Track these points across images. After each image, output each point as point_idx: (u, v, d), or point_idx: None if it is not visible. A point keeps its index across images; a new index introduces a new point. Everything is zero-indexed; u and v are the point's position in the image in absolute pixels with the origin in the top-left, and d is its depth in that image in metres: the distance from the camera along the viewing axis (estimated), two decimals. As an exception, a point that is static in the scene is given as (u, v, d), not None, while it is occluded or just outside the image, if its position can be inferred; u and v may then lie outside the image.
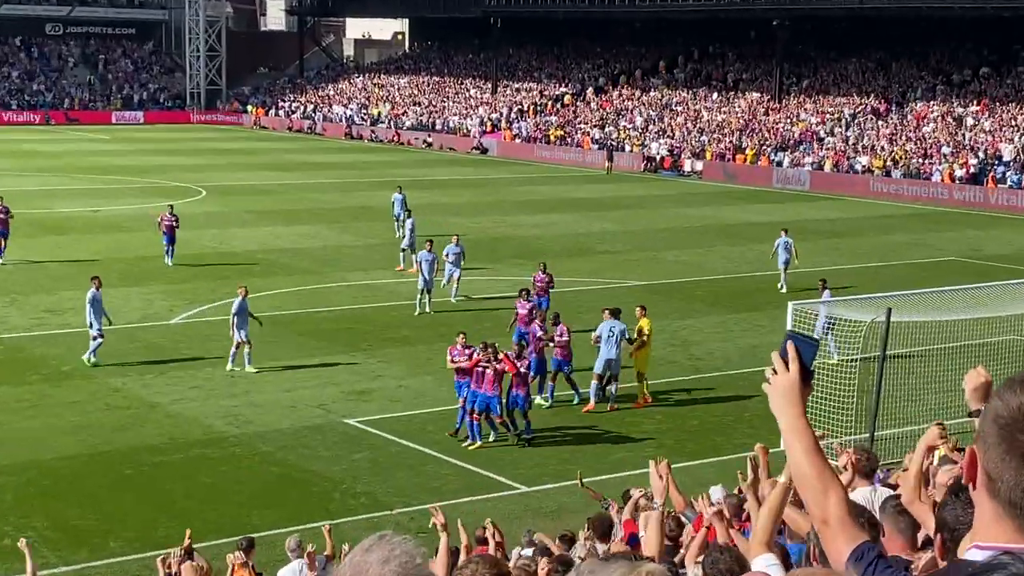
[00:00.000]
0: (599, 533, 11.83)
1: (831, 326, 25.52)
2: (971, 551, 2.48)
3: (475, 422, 21.96)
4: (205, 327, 30.31)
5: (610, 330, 24.04)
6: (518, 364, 22.01)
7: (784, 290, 35.12)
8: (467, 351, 22.20)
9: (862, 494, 8.59)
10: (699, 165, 68.72)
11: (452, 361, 22.45)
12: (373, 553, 2.64)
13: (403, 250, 38.11)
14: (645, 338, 24.56)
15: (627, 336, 24.25)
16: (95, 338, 26.66)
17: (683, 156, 70.37)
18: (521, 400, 22.10)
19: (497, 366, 21.74)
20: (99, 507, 19.06)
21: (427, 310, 32.07)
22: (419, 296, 32.30)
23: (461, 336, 22.62)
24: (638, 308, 25.59)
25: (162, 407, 24.03)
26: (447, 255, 33.40)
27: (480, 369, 21.85)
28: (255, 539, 15.01)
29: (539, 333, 24.68)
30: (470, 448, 21.81)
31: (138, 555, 17.08)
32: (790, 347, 3.20)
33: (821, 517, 3.15)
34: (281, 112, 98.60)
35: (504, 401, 22.14)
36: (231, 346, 26.51)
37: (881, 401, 21.28)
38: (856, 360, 23.35)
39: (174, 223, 38.35)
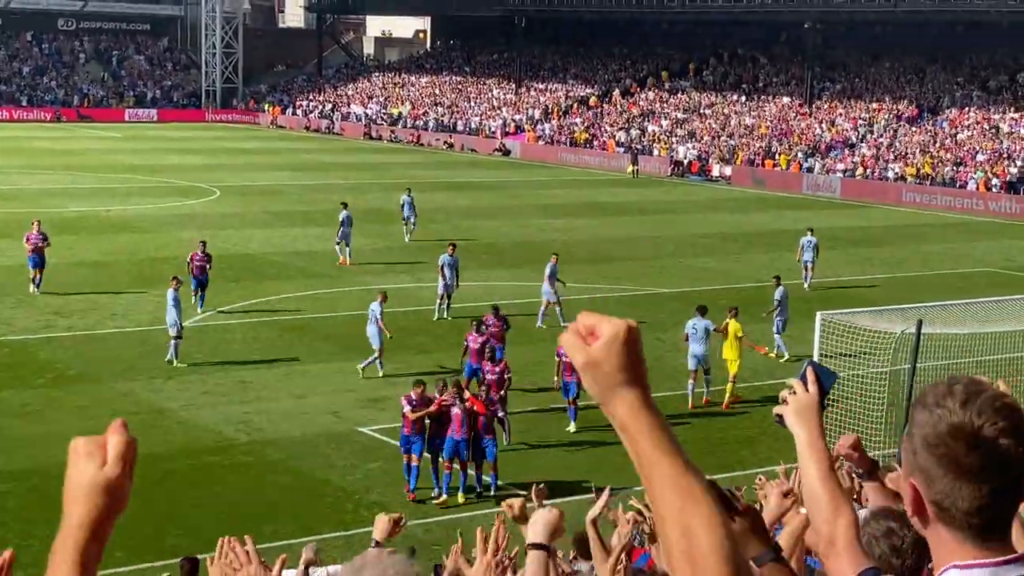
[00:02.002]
0: (581, 551, 11.27)
1: (782, 326, 28.29)
2: (950, 571, 2.35)
3: (448, 472, 19.74)
4: (217, 331, 29.82)
5: (693, 327, 24.97)
6: (489, 407, 20.16)
7: (808, 287, 36.16)
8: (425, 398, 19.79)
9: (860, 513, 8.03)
10: (727, 170, 67.93)
11: (411, 412, 19.66)
12: (366, 571, 2.53)
13: (337, 243, 38.88)
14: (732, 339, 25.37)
15: (715, 329, 25.18)
16: (176, 338, 26.72)
17: (711, 160, 69.62)
18: (492, 449, 19.82)
19: (464, 405, 19.63)
20: (105, 515, 18.51)
21: (445, 316, 31.42)
22: (439, 301, 31.65)
23: (419, 387, 19.90)
24: (729, 311, 25.95)
25: (171, 413, 23.57)
26: (441, 266, 31.72)
27: (447, 410, 19.64)
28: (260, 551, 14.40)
29: (491, 378, 21.94)
30: (437, 503, 19.60)
31: (144, 565, 16.77)
32: (810, 372, 3.19)
33: (828, 538, 3.08)
34: (299, 111, 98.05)
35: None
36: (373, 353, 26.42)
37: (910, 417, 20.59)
38: (886, 372, 22.82)
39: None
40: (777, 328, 28.85)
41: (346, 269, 38.18)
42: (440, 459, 19.77)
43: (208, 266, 31.70)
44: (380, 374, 26.35)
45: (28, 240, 33.13)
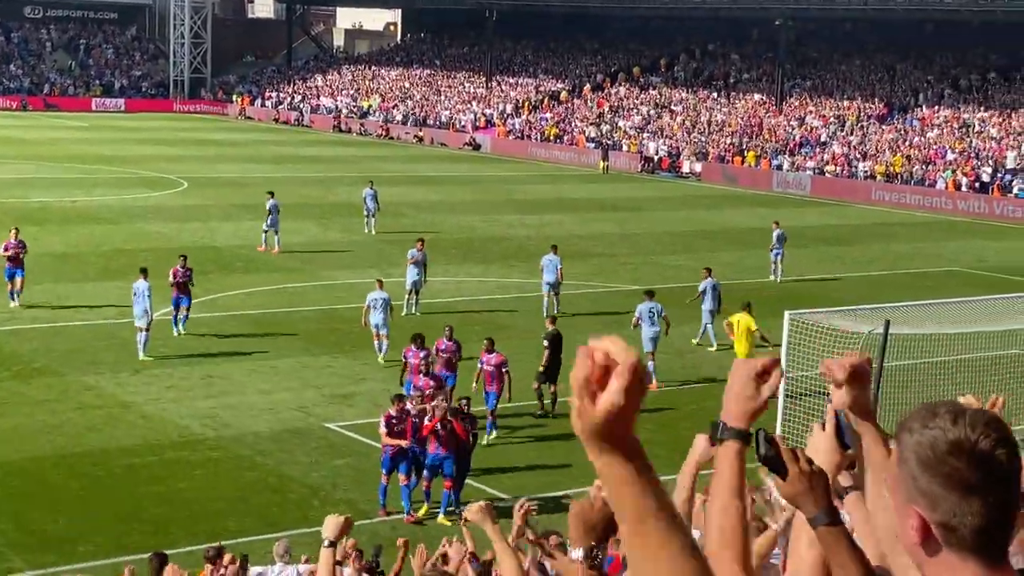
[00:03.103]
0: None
1: (710, 316, 29.10)
2: None
3: (428, 489, 18.93)
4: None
5: (650, 311, 26.11)
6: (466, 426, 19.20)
7: (779, 280, 37.02)
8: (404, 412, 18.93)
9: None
10: (698, 166, 67.99)
11: (390, 435, 18.66)
12: None
13: (265, 231, 39.07)
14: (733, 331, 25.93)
15: (664, 315, 26.29)
16: (144, 330, 26.51)
17: (682, 157, 69.66)
18: (449, 466, 18.90)
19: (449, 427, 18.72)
20: (68, 510, 18.58)
21: (414, 311, 31.27)
22: (406, 296, 31.51)
23: (399, 403, 19.02)
24: (743, 306, 26.48)
25: (136, 407, 23.37)
26: (411, 261, 31.49)
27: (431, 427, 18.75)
28: (223, 547, 14.34)
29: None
30: (420, 514, 18.91)
31: (108, 560, 16.60)
32: (831, 415, 3.11)
33: (725, 548, 2.90)
34: (268, 103, 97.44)
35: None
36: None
37: (877, 416, 20.65)
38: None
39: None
40: (706, 319, 29.41)
41: (314, 262, 37.96)
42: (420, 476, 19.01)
43: (190, 283, 28.84)
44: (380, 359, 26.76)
45: (6, 248, 30.77)
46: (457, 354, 23.49)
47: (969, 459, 2.27)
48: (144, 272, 27.19)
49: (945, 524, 2.29)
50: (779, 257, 37.63)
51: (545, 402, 23.75)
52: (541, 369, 23.69)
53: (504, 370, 22.24)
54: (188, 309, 28.67)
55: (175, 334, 28.21)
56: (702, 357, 28.73)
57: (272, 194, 40.00)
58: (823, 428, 3.09)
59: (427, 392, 20.04)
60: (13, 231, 31.81)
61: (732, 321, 26.23)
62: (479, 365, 22.50)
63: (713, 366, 27.27)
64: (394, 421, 18.80)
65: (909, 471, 2.31)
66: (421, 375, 21.34)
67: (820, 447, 3.05)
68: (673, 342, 28.16)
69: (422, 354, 22.28)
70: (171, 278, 28.55)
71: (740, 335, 25.81)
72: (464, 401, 19.68)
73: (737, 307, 27.23)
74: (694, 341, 29.60)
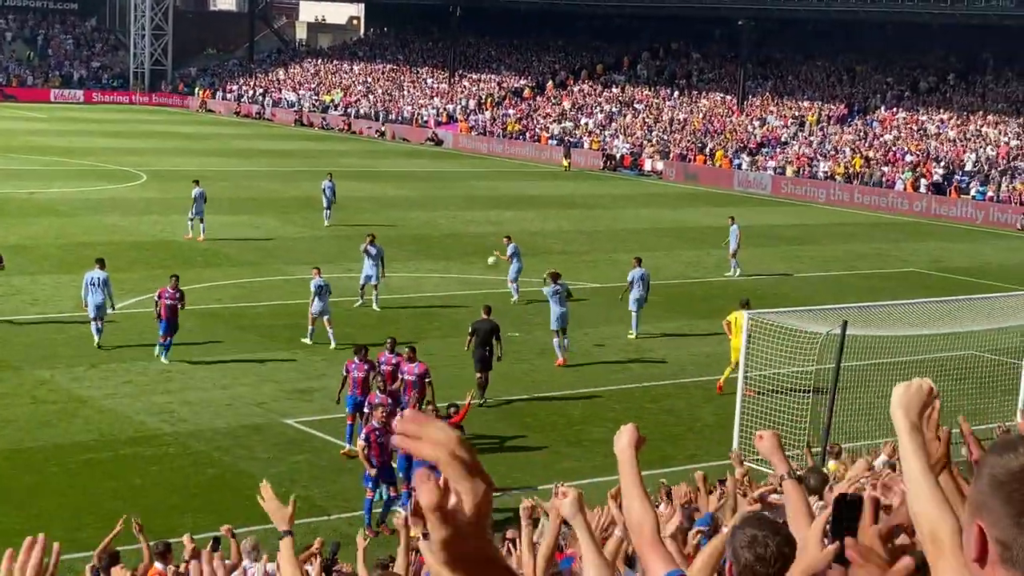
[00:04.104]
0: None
1: (637, 306, 29.89)
2: None
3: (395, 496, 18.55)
4: (141, 318, 29.29)
5: (554, 291, 27.45)
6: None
7: (737, 275, 37.83)
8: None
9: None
10: (660, 165, 68.17)
11: (363, 453, 18.10)
12: None
13: (191, 219, 39.51)
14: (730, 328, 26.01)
15: (570, 292, 28.12)
16: (97, 319, 26.49)
17: (644, 155, 69.80)
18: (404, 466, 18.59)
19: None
20: (22, 506, 18.43)
21: (375, 307, 31.20)
22: (360, 290, 31.58)
23: (380, 411, 18.37)
24: (741, 303, 26.72)
25: (92, 402, 23.18)
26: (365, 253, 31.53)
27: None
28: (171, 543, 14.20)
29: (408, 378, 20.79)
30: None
31: (63, 557, 16.17)
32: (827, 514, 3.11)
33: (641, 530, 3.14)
34: (229, 96, 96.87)
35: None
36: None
37: (835, 415, 20.90)
38: (811, 372, 23.00)
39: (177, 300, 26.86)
40: (633, 307, 30.06)
41: (273, 256, 37.78)
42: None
43: (180, 306, 26.11)
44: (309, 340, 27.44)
45: None
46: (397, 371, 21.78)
47: None
48: (100, 262, 27.15)
49: (1003, 543, 2.40)
50: (734, 253, 38.36)
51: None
52: (466, 348, 24.76)
53: (427, 380, 21.12)
54: (171, 336, 25.87)
55: (163, 359, 25.75)
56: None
57: (198, 183, 40.35)
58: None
59: (386, 407, 18.87)
60: None
61: (731, 319, 26.06)
62: (400, 375, 21.35)
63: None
64: (377, 434, 18.12)
65: (980, 487, 2.45)
66: (377, 392, 20.16)
67: (811, 535, 3.07)
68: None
69: (366, 366, 21.25)
70: (157, 299, 26.12)
71: (738, 331, 25.82)
72: (453, 409, 19.64)
73: (756, 303, 27.54)
74: (630, 334, 30.06)
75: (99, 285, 26.56)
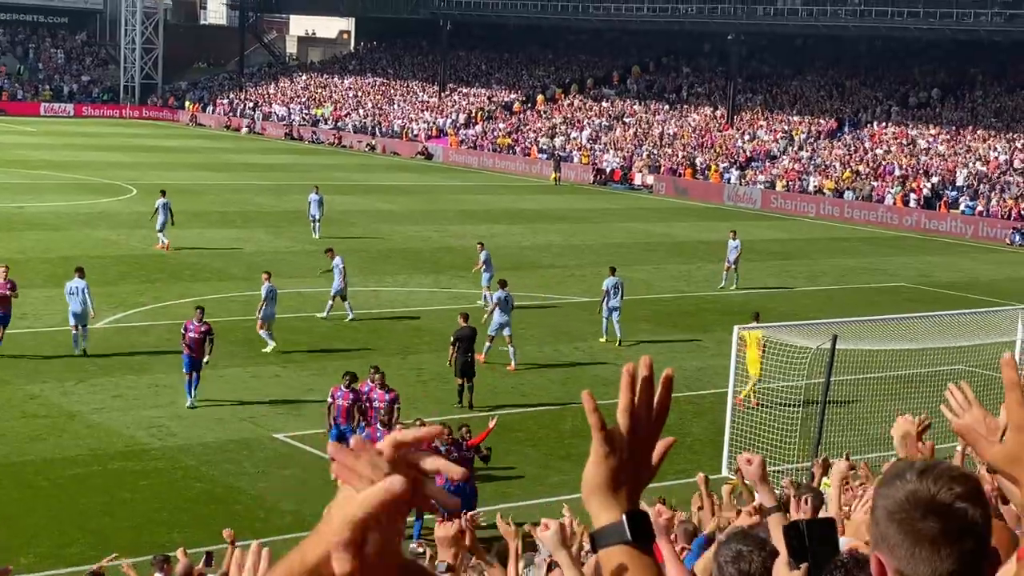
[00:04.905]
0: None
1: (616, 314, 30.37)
2: None
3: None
4: (131, 332, 29.30)
5: (504, 299, 28.14)
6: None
7: (734, 287, 38.11)
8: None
9: None
10: (650, 179, 68.27)
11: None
12: None
13: (160, 230, 40.02)
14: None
15: (513, 305, 28.44)
16: (80, 326, 26.83)
17: (634, 169, 69.90)
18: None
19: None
20: (10, 521, 18.35)
21: (350, 317, 31.43)
22: (330, 301, 31.77)
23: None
24: (754, 315, 27.41)
25: (82, 416, 23.12)
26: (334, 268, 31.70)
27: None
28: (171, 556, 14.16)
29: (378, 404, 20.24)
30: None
31: (50, 571, 16.60)
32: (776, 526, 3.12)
33: None
34: (219, 110, 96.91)
35: None
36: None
37: (824, 430, 20.92)
38: (801, 386, 23.02)
39: (8, 291, 26.96)
40: (609, 315, 30.69)
41: (263, 270, 37.69)
42: None
43: (209, 342, 24.13)
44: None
45: None
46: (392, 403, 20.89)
47: (926, 510, 2.35)
48: (80, 271, 27.68)
49: (901, 572, 2.37)
50: (733, 266, 38.49)
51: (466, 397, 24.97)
52: (449, 364, 25.31)
53: (396, 406, 20.62)
54: (196, 373, 23.93)
55: (188, 405, 23.96)
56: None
57: (164, 193, 40.95)
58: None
59: (379, 404, 19.40)
60: (3, 269, 29.01)
61: (744, 335, 25.95)
62: (330, 399, 20.79)
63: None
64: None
65: (875, 518, 2.41)
66: (379, 425, 19.49)
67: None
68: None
69: (352, 396, 20.45)
70: (183, 333, 24.32)
71: (751, 343, 25.83)
72: (465, 429, 19.29)
73: (746, 317, 27.61)
74: (601, 339, 30.47)
75: (77, 294, 26.92)
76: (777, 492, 5.97)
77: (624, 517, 2.37)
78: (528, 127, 79.72)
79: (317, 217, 44.28)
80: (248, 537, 17.58)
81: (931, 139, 65.23)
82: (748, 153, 68.67)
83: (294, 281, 36.25)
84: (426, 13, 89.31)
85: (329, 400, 20.80)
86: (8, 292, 26.70)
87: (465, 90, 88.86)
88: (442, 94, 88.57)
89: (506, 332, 27.91)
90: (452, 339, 25.21)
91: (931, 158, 62.99)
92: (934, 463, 2.43)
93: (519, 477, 20.99)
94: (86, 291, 27.05)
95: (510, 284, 32.42)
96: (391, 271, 38.73)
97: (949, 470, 2.40)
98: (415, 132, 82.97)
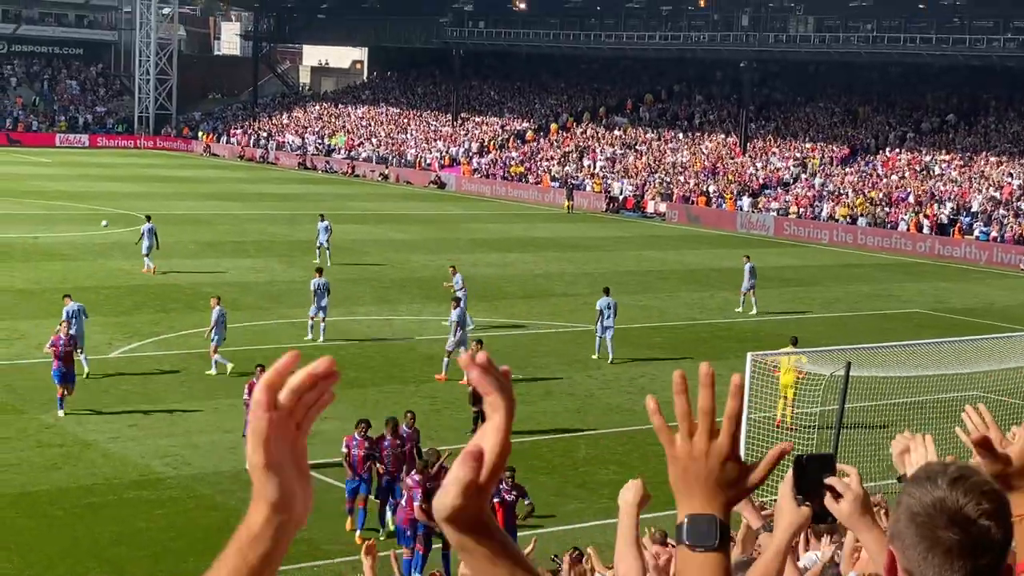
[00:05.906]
0: None
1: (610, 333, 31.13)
2: None
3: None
4: (145, 362, 29.36)
5: (467, 317, 30.11)
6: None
7: (753, 312, 38.34)
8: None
9: (810, 558, 8.23)
10: (662, 207, 68.31)
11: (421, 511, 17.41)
12: None
13: (145, 255, 40.65)
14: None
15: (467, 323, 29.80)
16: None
17: (646, 197, 69.96)
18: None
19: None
20: (25, 551, 18.43)
21: (320, 340, 31.59)
22: (309, 322, 32.16)
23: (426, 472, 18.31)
24: (792, 340, 27.38)
25: (97, 446, 23.17)
26: (313, 290, 32.17)
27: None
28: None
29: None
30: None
31: None
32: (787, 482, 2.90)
33: None
34: (233, 140, 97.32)
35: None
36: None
37: (837, 456, 20.79)
38: (816, 413, 22.95)
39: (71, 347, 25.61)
40: (603, 334, 31.41)
41: (276, 300, 37.82)
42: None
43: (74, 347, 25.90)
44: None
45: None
46: (411, 446, 20.33)
47: (949, 519, 2.35)
48: (69, 296, 28.20)
49: (909, 572, 2.38)
50: (750, 291, 38.78)
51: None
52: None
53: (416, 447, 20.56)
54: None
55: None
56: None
57: (149, 218, 41.75)
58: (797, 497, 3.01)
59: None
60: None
61: (782, 360, 25.93)
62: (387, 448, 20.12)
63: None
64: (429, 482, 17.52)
65: (897, 514, 2.43)
66: (409, 478, 18.35)
67: (783, 496, 2.96)
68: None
69: (367, 444, 19.66)
70: (246, 394, 22.45)
71: (786, 369, 25.83)
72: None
73: (759, 345, 28.11)
74: (593, 356, 31.17)
75: (76, 316, 27.30)
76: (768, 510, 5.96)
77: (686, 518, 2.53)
78: (541, 155, 79.88)
79: (325, 244, 44.30)
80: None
81: (944, 165, 65.18)
82: (761, 180, 68.68)
83: (306, 310, 36.26)
84: (439, 43, 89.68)
85: (344, 450, 19.77)
86: (71, 348, 25.28)
87: (478, 119, 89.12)
88: (455, 123, 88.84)
89: (450, 346, 28.83)
90: None
91: (945, 184, 62.94)
92: (970, 473, 2.42)
93: (535, 505, 20.90)
94: (82, 312, 27.59)
95: (523, 312, 32.57)
96: (405, 300, 38.78)
97: (982, 484, 2.40)
98: (428, 161, 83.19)
